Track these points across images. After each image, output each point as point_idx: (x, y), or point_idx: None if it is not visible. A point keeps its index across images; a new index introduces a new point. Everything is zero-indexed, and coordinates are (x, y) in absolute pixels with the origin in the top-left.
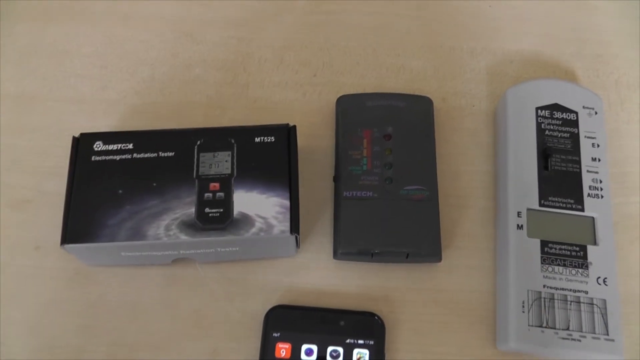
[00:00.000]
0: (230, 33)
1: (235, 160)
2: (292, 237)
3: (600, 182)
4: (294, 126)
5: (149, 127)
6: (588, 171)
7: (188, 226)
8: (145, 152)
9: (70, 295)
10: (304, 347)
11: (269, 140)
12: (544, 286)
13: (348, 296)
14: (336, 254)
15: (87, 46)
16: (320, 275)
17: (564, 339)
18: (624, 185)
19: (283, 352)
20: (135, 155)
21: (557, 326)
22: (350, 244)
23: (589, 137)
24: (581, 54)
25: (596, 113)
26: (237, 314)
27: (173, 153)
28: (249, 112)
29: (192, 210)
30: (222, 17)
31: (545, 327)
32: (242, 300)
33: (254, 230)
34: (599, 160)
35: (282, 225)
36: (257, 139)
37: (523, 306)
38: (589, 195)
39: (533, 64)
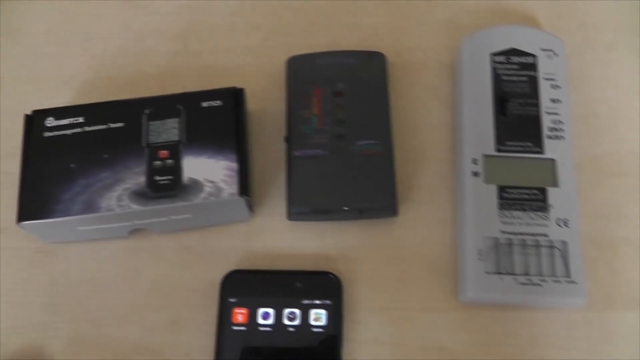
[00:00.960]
0: (181, 2)
1: (183, 127)
2: (242, 200)
3: (561, 123)
4: (242, 89)
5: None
6: (547, 113)
7: (139, 195)
8: (96, 125)
9: (33, 274)
10: (261, 311)
11: (216, 104)
12: (502, 232)
13: (305, 257)
14: (289, 215)
15: (41, 23)
16: (276, 237)
17: (523, 284)
18: (591, 127)
19: (240, 317)
20: (86, 128)
21: (516, 272)
22: (302, 204)
23: (548, 79)
24: None
25: (557, 55)
26: (195, 282)
27: (123, 124)
28: (201, 80)
29: (143, 179)
30: None
31: (504, 274)
32: (200, 268)
33: (203, 195)
34: (560, 101)
35: (230, 188)
36: (204, 104)
37: (480, 254)
38: (548, 137)
39: (493, 13)
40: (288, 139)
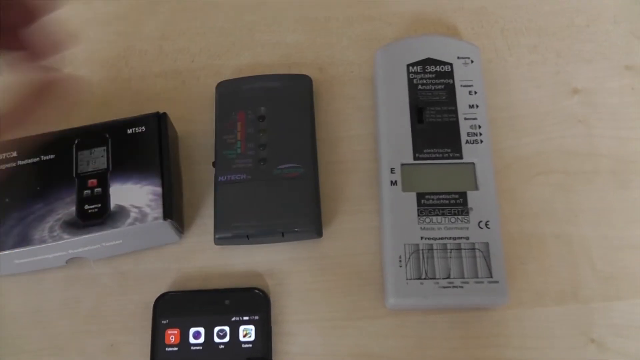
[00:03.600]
0: (112, 28)
1: (110, 155)
2: (167, 223)
3: (479, 127)
4: (164, 113)
5: (40, 133)
6: (465, 119)
7: (70, 225)
8: (29, 158)
9: None
10: (192, 330)
11: (140, 130)
12: (422, 238)
13: (235, 275)
14: (215, 240)
15: None
16: (206, 257)
17: (444, 287)
18: (515, 128)
19: (172, 337)
20: (19, 162)
21: (437, 276)
22: (225, 230)
23: (465, 86)
24: (462, 8)
25: (472, 62)
26: (131, 305)
27: (54, 155)
28: (133, 106)
29: (74, 209)
30: (102, 14)
31: (425, 279)
32: (135, 291)
33: (129, 220)
34: (477, 106)
35: (155, 212)
36: (129, 131)
37: (400, 261)
38: (467, 142)
39: (414, 24)
40: (215, 164)
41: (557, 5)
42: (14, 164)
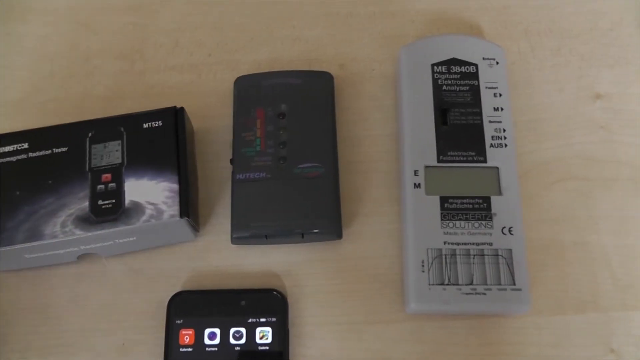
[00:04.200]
0: (126, 19)
1: (125, 149)
2: (183, 221)
3: (504, 131)
4: (182, 108)
5: (52, 124)
6: (490, 121)
7: (83, 220)
8: (40, 150)
9: None
10: (207, 331)
11: (156, 125)
12: (445, 243)
13: (251, 275)
14: (232, 239)
15: None
16: (222, 256)
17: (467, 294)
18: (537, 132)
19: (187, 338)
20: (30, 154)
21: (460, 282)
22: (243, 229)
23: (490, 88)
24: (486, 7)
25: (497, 63)
26: (144, 304)
27: (67, 148)
28: (146, 99)
29: (87, 204)
30: (116, 4)
31: (447, 284)
32: (148, 290)
33: (144, 217)
34: (502, 109)
35: (171, 209)
36: (145, 125)
37: (423, 265)
38: (491, 145)
39: (436, 23)
40: (233, 161)
41: (580, 6)
42: (25, 156)
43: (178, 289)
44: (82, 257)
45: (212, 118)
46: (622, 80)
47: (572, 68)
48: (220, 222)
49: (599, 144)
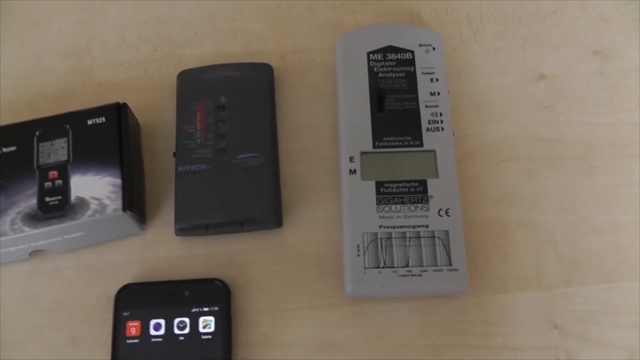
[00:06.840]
0: (73, 17)
1: (70, 146)
2: (126, 215)
3: (441, 115)
4: (124, 104)
5: (3, 124)
6: (427, 106)
7: (31, 218)
8: None
9: None
10: (152, 322)
11: (100, 121)
12: (381, 227)
13: (196, 266)
14: (175, 231)
15: None
16: (169, 248)
17: (403, 276)
18: (481, 115)
19: (133, 330)
20: None
21: (396, 264)
22: (185, 221)
23: (426, 73)
24: None
25: (434, 49)
26: (94, 298)
27: (15, 147)
28: (96, 96)
29: (35, 201)
30: (64, 4)
31: (383, 267)
32: (98, 284)
33: (89, 212)
34: (438, 94)
35: (114, 204)
36: (89, 122)
37: (358, 250)
38: (428, 129)
39: (377, 12)
40: (175, 154)
41: None
42: None
43: (127, 281)
44: (33, 254)
45: (159, 112)
46: (567, 61)
47: (515, 50)
48: (167, 214)
49: (544, 124)
